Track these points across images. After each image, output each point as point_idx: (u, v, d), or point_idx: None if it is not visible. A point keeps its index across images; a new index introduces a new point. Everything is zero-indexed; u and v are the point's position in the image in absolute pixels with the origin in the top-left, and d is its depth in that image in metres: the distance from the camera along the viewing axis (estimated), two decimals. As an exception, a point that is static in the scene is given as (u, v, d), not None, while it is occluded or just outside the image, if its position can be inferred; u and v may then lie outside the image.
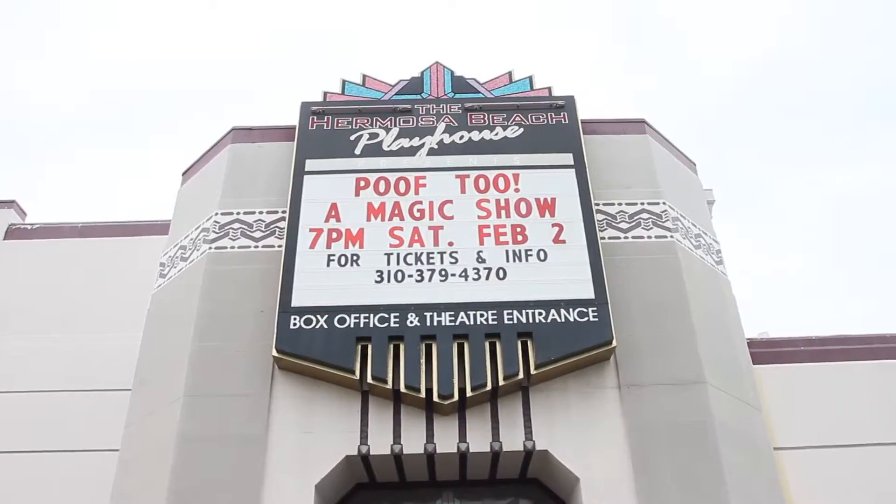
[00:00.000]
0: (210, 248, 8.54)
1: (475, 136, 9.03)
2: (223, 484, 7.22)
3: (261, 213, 8.78)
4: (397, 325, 7.59)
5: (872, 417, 9.01)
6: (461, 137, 9.02)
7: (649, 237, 8.68)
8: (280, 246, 8.38)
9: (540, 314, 7.65)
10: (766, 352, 9.30)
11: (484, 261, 8.05)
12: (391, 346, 7.52)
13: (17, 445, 9.75)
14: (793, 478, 8.40)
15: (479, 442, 7.40)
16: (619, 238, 8.63)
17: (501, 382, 7.39)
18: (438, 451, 7.36)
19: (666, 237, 8.68)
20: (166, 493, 7.20)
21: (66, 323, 10.51)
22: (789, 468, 8.46)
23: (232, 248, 8.56)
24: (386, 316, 7.63)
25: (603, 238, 8.48)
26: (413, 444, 7.39)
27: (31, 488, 9.57)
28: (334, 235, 8.25)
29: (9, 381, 10.07)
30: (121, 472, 7.98)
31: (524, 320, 7.62)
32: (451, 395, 7.33)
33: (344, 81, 9.99)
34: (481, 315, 7.66)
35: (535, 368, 7.41)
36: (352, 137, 9.02)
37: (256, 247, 8.54)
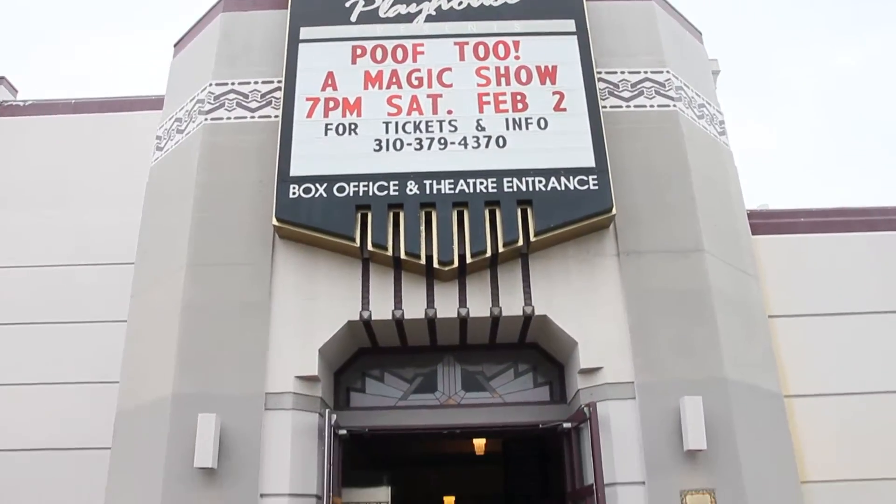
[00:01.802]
0: (206, 119, 8.41)
1: (474, 1, 8.73)
2: (229, 349, 7.37)
3: (256, 83, 8.60)
4: (397, 193, 7.55)
5: (868, 287, 9.11)
6: (460, 3, 8.72)
7: (652, 106, 8.52)
8: (277, 116, 8.24)
9: (540, 182, 7.59)
10: (766, 223, 9.32)
11: (483, 129, 7.93)
12: (391, 214, 7.50)
13: (24, 318, 9.92)
14: (785, 345, 8.57)
15: (478, 307, 7.50)
16: (620, 107, 8.48)
17: (501, 249, 7.41)
18: (439, 316, 7.47)
19: (669, 106, 8.53)
20: (174, 358, 7.36)
21: (65, 199, 10.50)
22: (783, 335, 8.63)
23: (228, 119, 8.42)
24: (385, 184, 7.59)
25: (604, 107, 8.33)
26: (414, 309, 7.49)
27: (40, 358, 9.80)
28: (331, 104, 8.09)
29: (11, 256, 10.15)
30: (130, 341, 8.14)
31: (524, 188, 7.58)
32: (451, 262, 7.36)
33: (338, -55, 9.60)
34: (481, 183, 7.60)
35: (535, 235, 7.42)
36: (347, 4, 8.72)
37: (253, 117, 8.40)
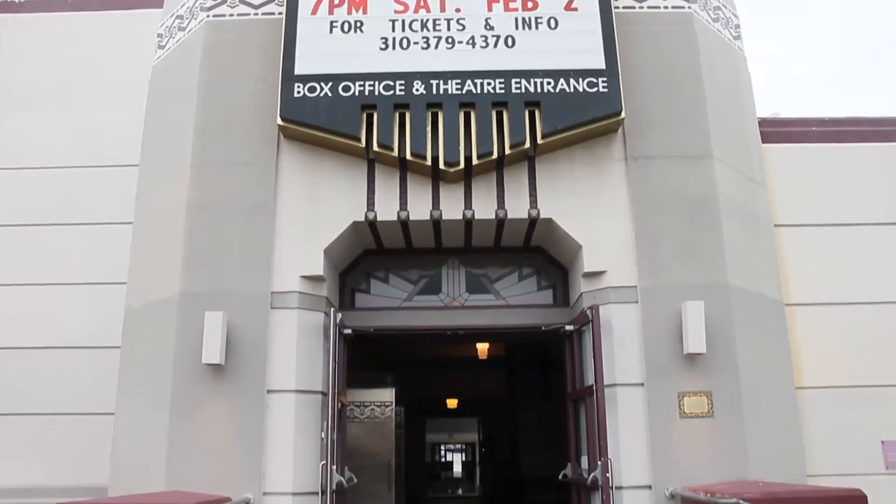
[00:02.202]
0: (208, 16, 8.22)
1: None
2: (234, 249, 7.41)
3: (258, -22, 8.37)
4: (403, 93, 7.43)
5: (877, 198, 9.05)
6: None
7: (665, 7, 8.27)
8: (280, 13, 8.04)
9: (548, 83, 7.46)
10: (778, 131, 9.18)
11: (492, 28, 7.74)
12: (397, 115, 7.40)
13: (29, 220, 9.96)
14: (790, 254, 8.58)
15: (484, 209, 7.48)
16: (633, 7, 8.24)
17: (508, 151, 7.34)
18: (444, 217, 7.46)
19: (683, 8, 8.28)
20: (181, 258, 7.42)
21: (66, 100, 10.39)
22: (788, 244, 8.63)
23: (231, 15, 8.23)
24: (391, 84, 7.46)
25: (617, 7, 8.09)
26: (419, 210, 7.48)
27: (47, 260, 9.89)
28: (336, 1, 7.87)
29: (13, 157, 10.12)
30: (136, 242, 8.19)
31: (532, 89, 7.44)
32: (457, 163, 7.31)
33: None
34: (488, 83, 7.47)
35: (542, 138, 7.34)
36: None
37: (256, 14, 8.20)
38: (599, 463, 6.85)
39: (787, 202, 8.79)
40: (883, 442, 8.21)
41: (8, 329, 9.64)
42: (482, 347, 14.93)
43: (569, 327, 7.71)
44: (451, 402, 20.12)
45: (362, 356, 13.81)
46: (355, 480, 7.77)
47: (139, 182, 8.39)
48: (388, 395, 11.67)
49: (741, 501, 5.58)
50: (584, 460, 7.46)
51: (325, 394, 7.26)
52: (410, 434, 15.74)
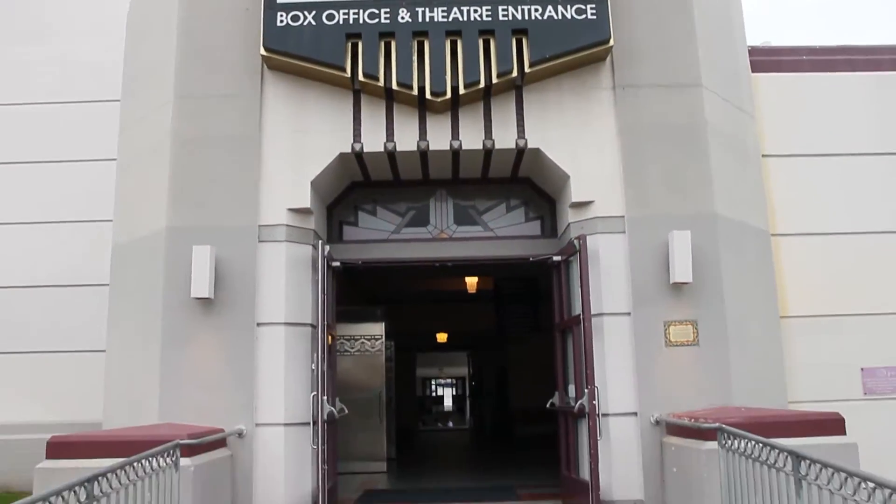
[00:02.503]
0: (187, -58, 7.98)
1: None
2: (220, 182, 7.36)
3: None
4: (388, 22, 7.29)
5: (867, 128, 9.05)
6: None
7: (656, -69, 8.10)
8: (262, -61, 7.82)
9: (536, 10, 7.32)
10: (768, 60, 9.10)
11: (478, -46, 7.55)
12: (382, 44, 7.27)
13: (11, 158, 9.88)
14: (778, 184, 8.60)
15: (471, 140, 7.43)
16: (623, -68, 8.06)
17: (495, 80, 7.26)
18: (431, 148, 7.41)
19: (673, -68, 8.10)
20: (166, 192, 7.37)
21: (44, 33, 10.19)
22: (775, 175, 8.64)
23: (211, -58, 8.00)
24: (376, 12, 7.31)
25: (606, -68, 7.91)
26: (406, 141, 7.43)
27: (31, 198, 9.83)
28: (319, -73, 7.66)
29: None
30: (120, 178, 8.14)
31: (519, 16, 7.31)
32: (444, 93, 7.23)
33: None
34: (475, 11, 7.33)
35: (530, 66, 7.24)
36: None
37: (236, -60, 7.97)
38: (586, 391, 6.95)
39: (775, 132, 8.76)
40: (862, 369, 8.38)
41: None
42: (471, 281, 15.00)
43: (556, 258, 7.74)
44: (441, 337, 20.30)
45: (352, 291, 13.86)
46: (346, 411, 7.89)
47: (121, 116, 8.28)
48: (377, 328, 11.76)
49: (723, 426, 5.69)
50: (572, 389, 7.58)
51: (314, 326, 7.31)
52: (401, 368, 15.89)
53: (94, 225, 9.53)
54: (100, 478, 4.41)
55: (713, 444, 5.86)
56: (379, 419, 11.57)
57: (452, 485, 10.02)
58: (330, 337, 7.56)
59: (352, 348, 11.58)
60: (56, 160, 9.97)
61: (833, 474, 4.16)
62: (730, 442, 5.56)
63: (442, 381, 38.22)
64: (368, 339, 11.64)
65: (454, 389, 37.66)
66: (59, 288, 9.67)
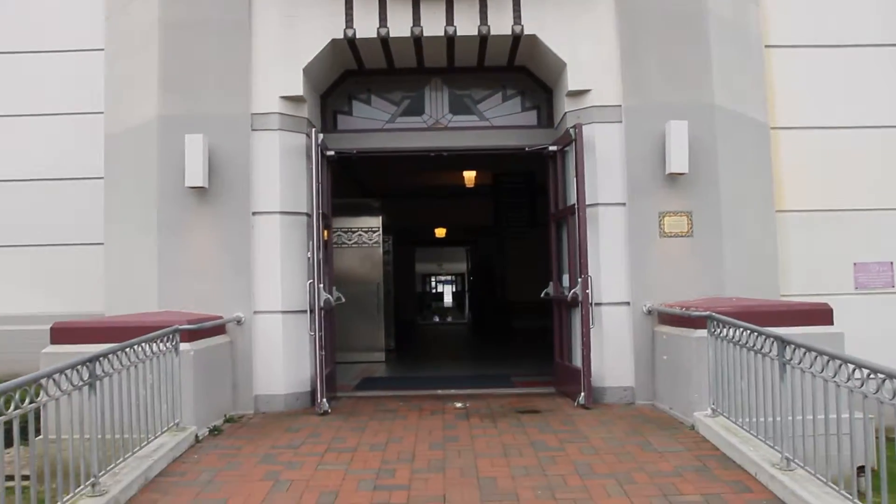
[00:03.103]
0: None
1: None
2: (211, 70, 7.24)
3: None
4: None
5: (871, 19, 8.74)
6: None
7: None
8: None
9: None
10: (773, -55, 8.75)
11: None
12: (374, -79, 7.01)
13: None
14: (779, 75, 8.41)
15: (466, 25, 7.25)
16: None
17: (491, -37, 7.03)
18: (425, 34, 7.25)
19: None
20: (157, 80, 7.25)
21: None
22: (777, 66, 8.43)
23: None
24: None
25: None
26: (399, 27, 7.25)
27: (21, 89, 9.66)
28: None
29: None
30: (109, 65, 7.96)
31: None
32: (439, -25, 7.02)
33: None
34: None
35: (528, -52, 7.00)
36: None
37: None
38: (580, 280, 7.03)
39: (779, 22, 8.50)
40: (855, 264, 8.42)
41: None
42: (469, 176, 14.96)
43: (552, 148, 7.69)
44: (440, 232, 20.40)
45: (350, 187, 13.88)
46: (343, 300, 8.00)
47: (107, 1, 8.05)
48: (374, 221, 11.80)
49: (713, 314, 5.78)
50: (566, 279, 7.66)
51: (309, 215, 7.32)
52: (400, 263, 16.07)
53: (89, 117, 9.40)
54: (101, 358, 4.52)
55: (703, 332, 5.97)
56: (377, 311, 11.76)
57: (449, 373, 10.27)
58: (325, 231, 7.59)
59: (349, 240, 11.65)
60: (49, 50, 9.75)
61: (816, 358, 4.26)
62: (719, 330, 5.66)
63: (442, 279, 38.72)
64: (366, 232, 11.70)
65: (454, 286, 38.18)
66: (56, 182, 9.61)
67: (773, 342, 4.76)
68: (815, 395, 4.27)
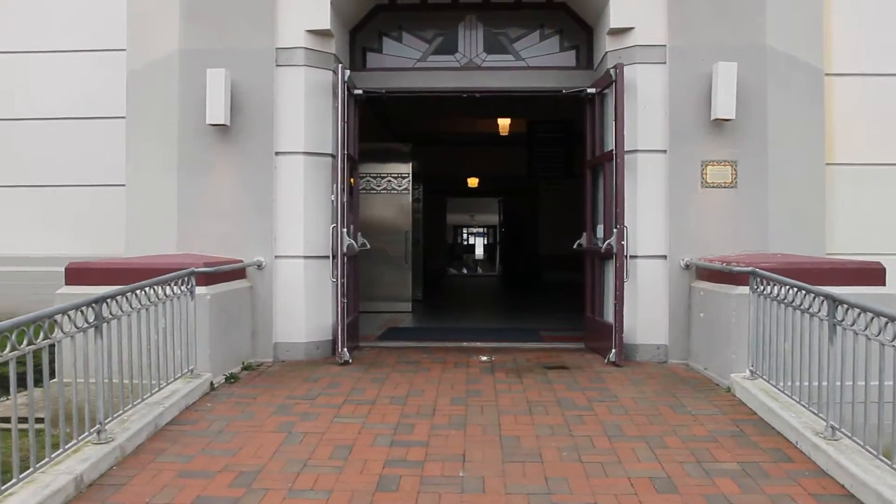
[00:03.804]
0: None
1: None
2: (235, 1, 6.89)
3: None
4: None
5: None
6: None
7: None
8: None
9: None
10: None
11: None
12: None
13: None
14: (837, 15, 7.86)
15: (504, -43, 6.83)
16: None
17: None
18: (460, -34, 6.84)
19: None
20: (178, 13, 6.95)
21: None
22: (836, 5, 7.88)
23: None
24: None
25: None
26: (433, -42, 6.86)
27: (46, 26, 9.43)
28: None
29: None
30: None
31: None
32: None
33: None
34: None
35: None
36: None
37: None
38: (615, 231, 6.68)
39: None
40: (907, 223, 7.96)
41: (23, 98, 9.44)
42: (504, 123, 14.54)
43: (591, 90, 7.27)
44: (472, 182, 20.02)
45: (380, 132, 13.55)
46: (368, 246, 7.74)
47: (129, -64, 7.73)
48: (405, 167, 11.47)
49: (757, 269, 5.42)
50: (600, 229, 7.32)
51: (334, 156, 7.02)
52: (431, 212, 15.76)
53: (113, 55, 9.15)
54: (108, 300, 4.30)
55: (744, 289, 5.63)
56: (405, 260, 11.50)
57: (476, 325, 10.03)
58: (351, 168, 7.29)
59: (378, 186, 11.35)
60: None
61: (872, 319, 3.90)
62: (762, 287, 5.31)
63: (474, 231, 38.38)
64: (395, 178, 11.38)
65: (485, 238, 37.84)
66: (78, 121, 9.42)
67: (822, 301, 4.40)
68: (869, 360, 3.92)
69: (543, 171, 16.19)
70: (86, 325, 4.07)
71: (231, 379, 6.02)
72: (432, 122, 14.35)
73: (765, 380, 5.30)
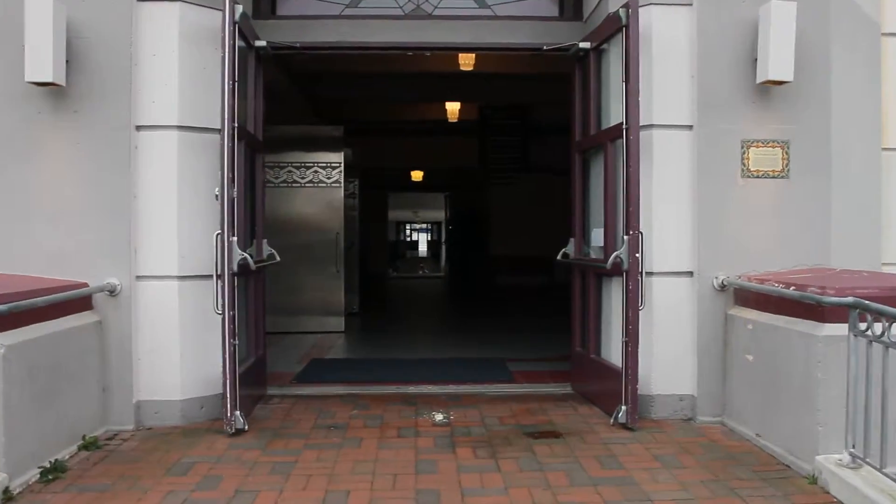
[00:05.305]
0: None
1: None
2: None
3: None
4: None
5: None
6: None
7: None
8: None
9: None
10: None
11: None
12: None
13: None
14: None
15: None
16: None
17: None
18: None
19: None
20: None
21: None
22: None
23: None
24: None
25: None
26: None
27: None
28: None
29: None
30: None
31: None
32: None
33: None
34: None
35: None
36: None
37: None
38: (625, 238, 4.71)
39: None
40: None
41: None
42: (452, 108, 12.59)
43: (583, 45, 5.29)
44: (416, 175, 18.06)
45: (309, 117, 11.57)
46: (277, 258, 5.62)
47: None
48: (335, 156, 9.35)
49: (861, 300, 3.52)
50: (597, 235, 5.35)
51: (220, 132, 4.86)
52: (370, 209, 13.68)
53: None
54: None
55: (837, 328, 3.73)
56: (335, 267, 9.41)
57: (423, 355, 7.92)
58: (249, 148, 5.17)
59: (302, 178, 9.20)
60: None
61: None
62: (870, 327, 3.42)
63: (417, 226, 36.50)
64: (324, 168, 9.25)
65: (430, 235, 35.94)
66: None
67: None
68: None
69: (497, 163, 14.37)
70: None
71: (51, 473, 3.85)
72: (371, 111, 12.38)
73: (875, 468, 3.41)
